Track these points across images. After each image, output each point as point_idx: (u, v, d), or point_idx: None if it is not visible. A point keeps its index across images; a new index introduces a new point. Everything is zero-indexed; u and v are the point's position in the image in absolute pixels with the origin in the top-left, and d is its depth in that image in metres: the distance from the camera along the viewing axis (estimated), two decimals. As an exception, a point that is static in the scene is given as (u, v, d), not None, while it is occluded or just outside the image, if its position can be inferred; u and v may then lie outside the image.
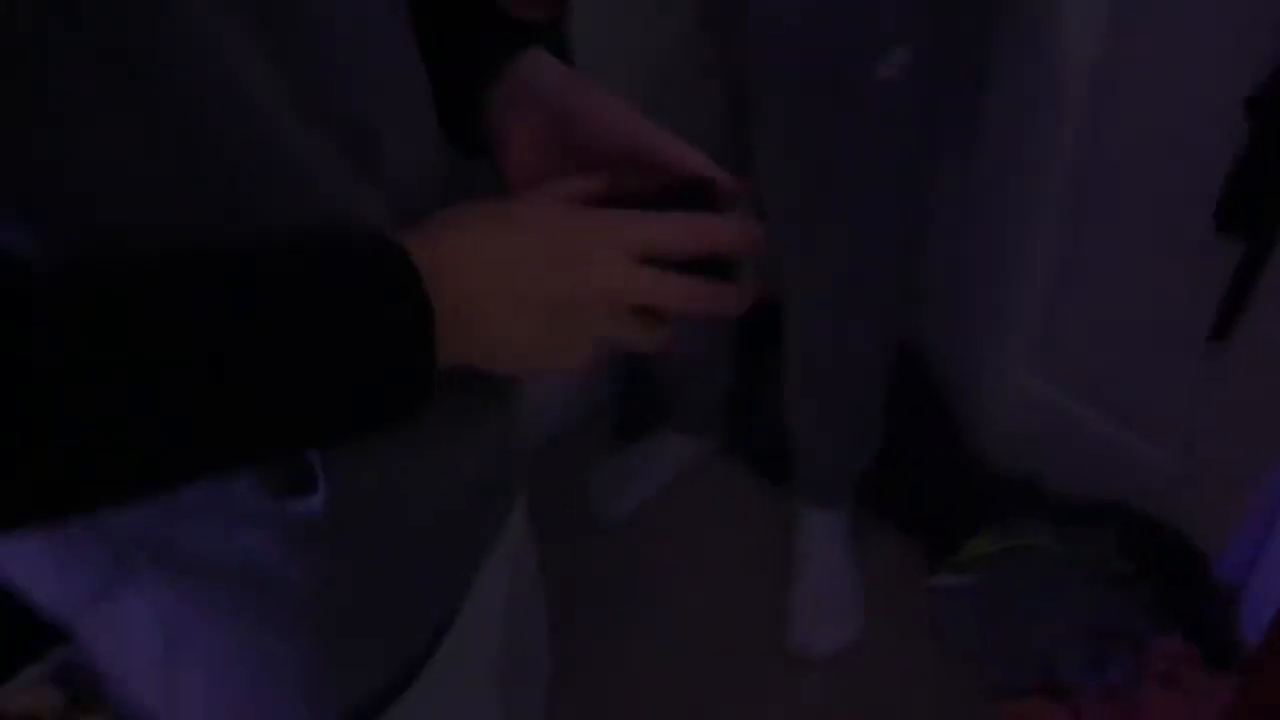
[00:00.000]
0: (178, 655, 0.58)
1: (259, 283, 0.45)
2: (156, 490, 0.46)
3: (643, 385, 1.85)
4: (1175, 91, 1.35)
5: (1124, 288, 1.52)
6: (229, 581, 0.55)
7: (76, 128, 0.42)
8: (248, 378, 0.45)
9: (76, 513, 0.45)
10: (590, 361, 0.56)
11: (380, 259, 0.48)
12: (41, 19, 0.40)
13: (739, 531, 1.77)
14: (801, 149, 1.33)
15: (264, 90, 0.46)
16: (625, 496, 1.80)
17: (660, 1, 1.35)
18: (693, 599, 1.70)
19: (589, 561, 1.73)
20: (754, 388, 1.76)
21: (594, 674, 1.61)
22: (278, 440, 0.48)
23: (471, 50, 0.66)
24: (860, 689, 1.59)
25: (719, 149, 0.65)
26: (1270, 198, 1.28)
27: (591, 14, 1.16)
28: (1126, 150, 1.43)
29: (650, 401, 1.84)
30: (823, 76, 1.25)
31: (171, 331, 0.43)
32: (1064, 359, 1.64)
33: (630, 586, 1.72)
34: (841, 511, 1.67)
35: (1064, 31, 1.41)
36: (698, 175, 0.62)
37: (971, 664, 1.57)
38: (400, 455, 0.56)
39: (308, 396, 0.47)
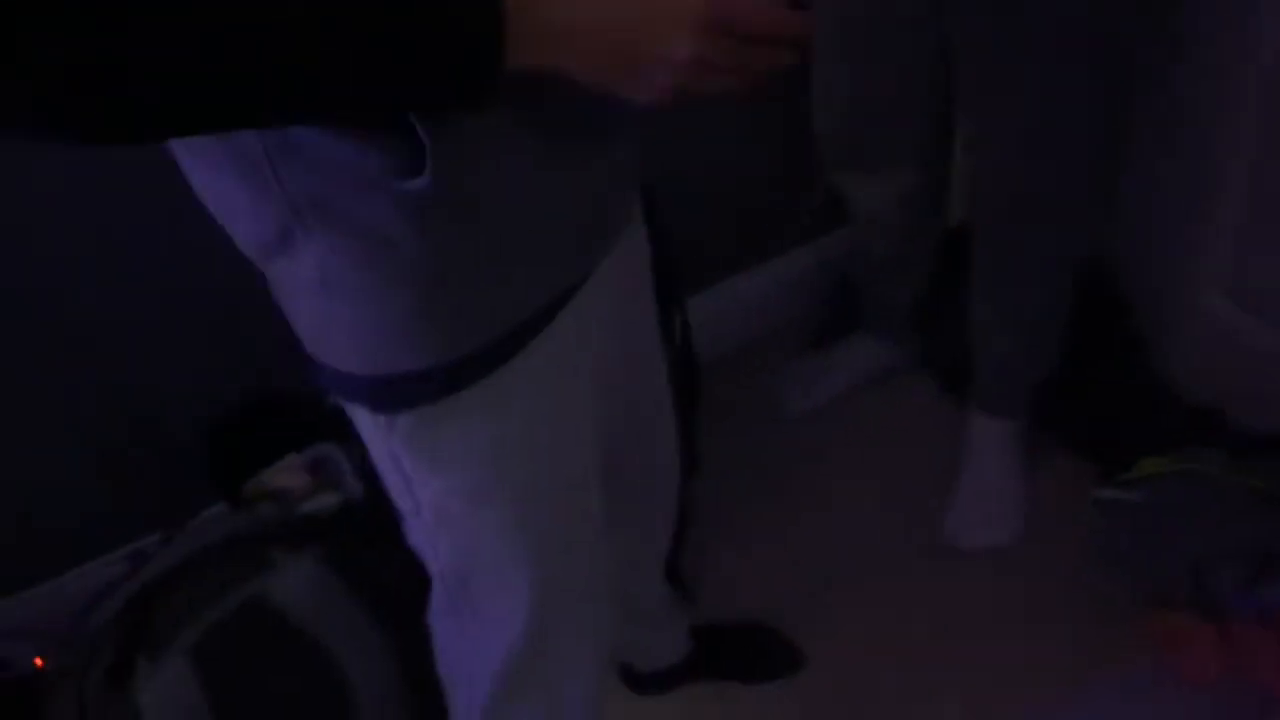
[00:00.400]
0: (331, 293, 0.77)
1: None
2: (245, 112, 0.60)
3: (839, 296, 1.97)
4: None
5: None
6: (365, 239, 0.72)
7: None
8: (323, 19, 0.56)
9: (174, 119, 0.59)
10: (670, 93, 0.66)
11: None
12: None
13: (916, 439, 1.86)
14: None
15: None
16: (812, 393, 1.93)
17: None
18: (860, 494, 1.81)
19: (769, 449, 1.88)
20: (944, 298, 1.84)
21: (759, 549, 1.76)
22: (353, 86, 0.60)
23: None
24: (1008, 590, 1.66)
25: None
26: None
27: None
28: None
29: (845, 312, 1.96)
30: None
31: None
32: (1257, 288, 1.64)
33: (802, 477, 1.85)
34: (1015, 423, 1.74)
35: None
36: None
37: (1125, 575, 1.61)
38: (501, 157, 0.72)
39: (382, 43, 0.58)
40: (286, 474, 1.58)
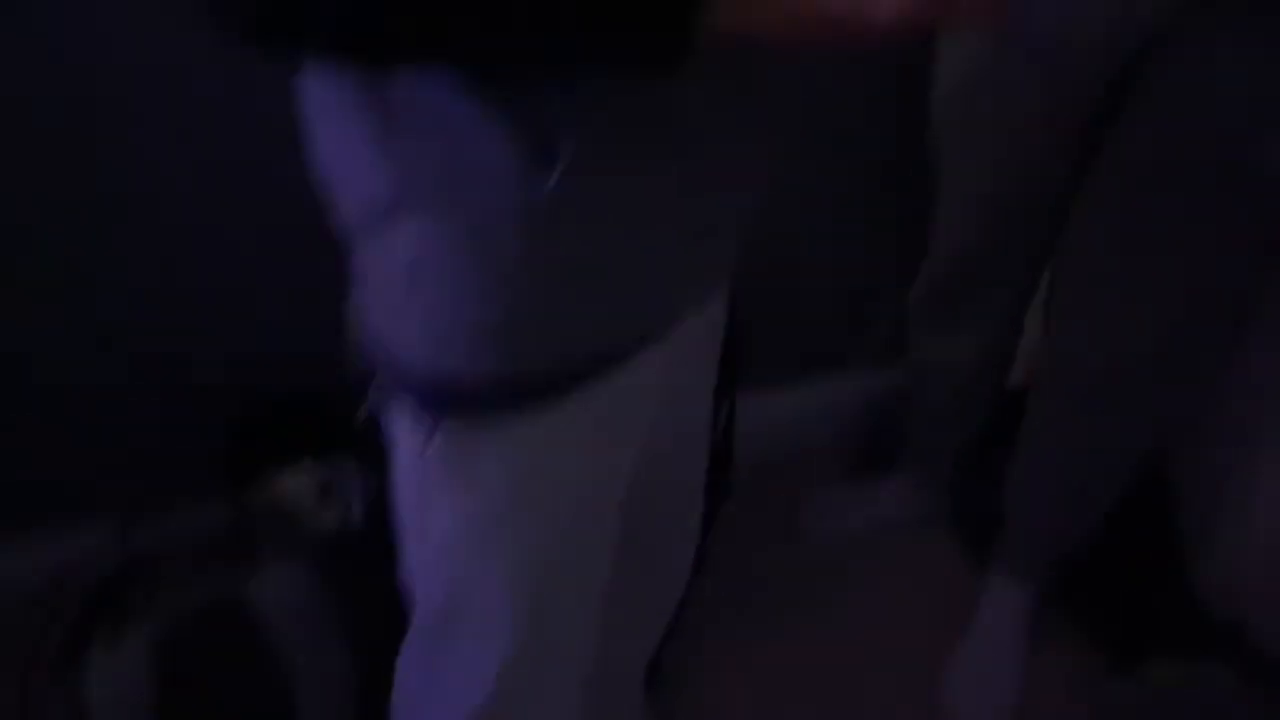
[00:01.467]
0: (417, 278, 0.75)
1: None
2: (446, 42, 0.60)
3: (882, 432, 1.94)
4: None
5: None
6: (471, 231, 0.71)
7: None
8: None
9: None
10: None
11: None
12: None
13: (930, 590, 1.81)
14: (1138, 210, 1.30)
15: None
16: (836, 523, 1.88)
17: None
18: (864, 633, 1.75)
19: (781, 567, 1.83)
20: (985, 455, 1.81)
21: (751, 669, 1.72)
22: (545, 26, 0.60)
23: None
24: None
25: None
26: None
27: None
28: None
29: (884, 449, 1.93)
30: (1203, 150, 1.22)
31: None
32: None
33: (808, 604, 1.80)
34: (1032, 593, 1.69)
35: None
36: None
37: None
38: (627, 177, 0.71)
39: None
40: (297, 480, 1.57)
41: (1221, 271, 1.32)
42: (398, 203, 0.73)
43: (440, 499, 0.85)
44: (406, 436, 0.85)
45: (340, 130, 0.74)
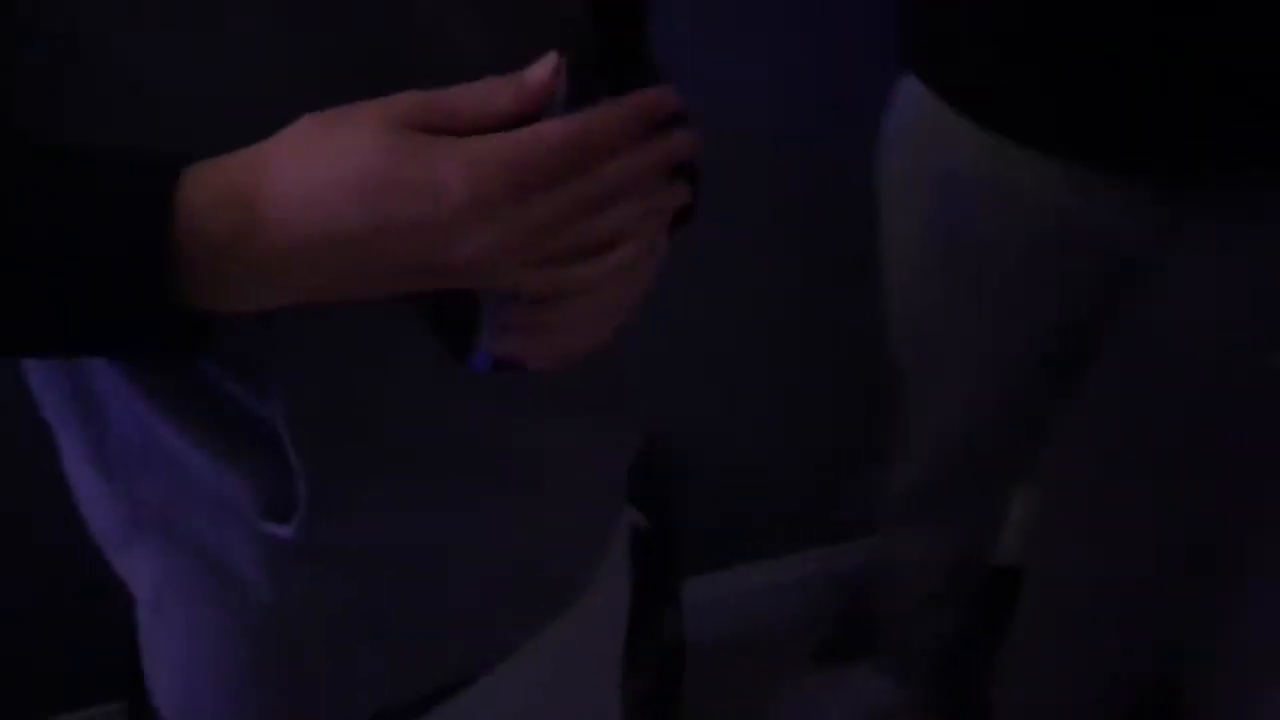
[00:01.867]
0: (160, 620, 0.62)
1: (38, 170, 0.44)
2: None
3: (853, 614, 1.78)
4: None
5: None
6: (210, 571, 0.58)
7: None
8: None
9: None
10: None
11: (150, 169, 0.45)
12: None
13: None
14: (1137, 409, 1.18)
15: None
16: (808, 718, 1.71)
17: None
18: None
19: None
20: (971, 645, 1.64)
21: None
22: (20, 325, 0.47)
23: None
24: None
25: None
26: None
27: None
28: None
29: (856, 633, 1.76)
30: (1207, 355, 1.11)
31: None
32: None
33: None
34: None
35: None
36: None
37: None
38: (391, 508, 0.57)
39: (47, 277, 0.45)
40: None
41: (1227, 485, 1.17)
42: (127, 534, 0.62)
43: None
44: None
45: (68, 448, 0.63)
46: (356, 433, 0.55)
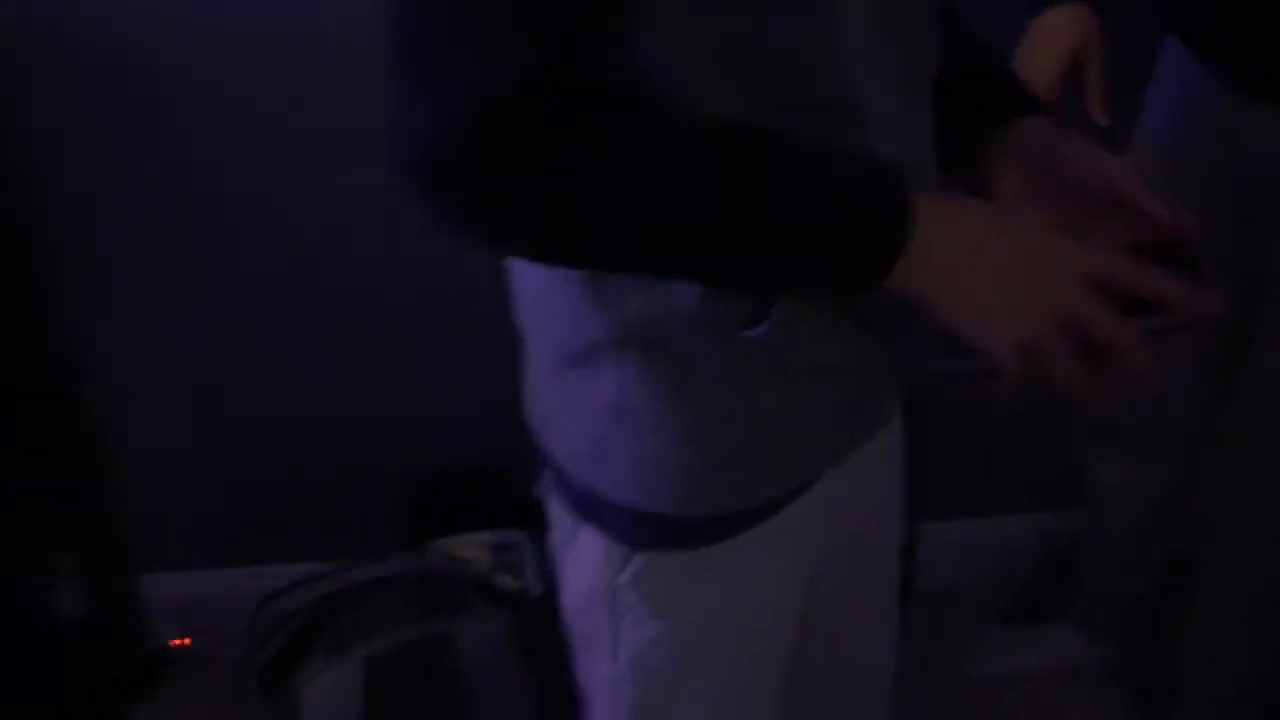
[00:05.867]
0: (621, 420, 0.77)
1: (790, 146, 0.65)
2: (657, 258, 0.67)
3: (1052, 576, 1.88)
4: None
5: None
6: (681, 379, 0.75)
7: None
8: (756, 201, 0.64)
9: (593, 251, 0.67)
10: (1021, 353, 0.67)
11: (889, 173, 0.66)
12: None
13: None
14: None
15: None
16: (996, 665, 1.82)
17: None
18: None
19: (929, 705, 1.76)
20: (1165, 609, 1.73)
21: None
22: (756, 261, 0.67)
23: (983, 108, 0.85)
24: None
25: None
26: None
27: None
28: None
29: (1053, 594, 1.86)
30: None
31: (725, 150, 0.64)
32: None
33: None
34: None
35: None
36: (1174, 232, 0.75)
37: None
38: (821, 327, 0.75)
39: (795, 233, 0.65)
40: (471, 547, 1.61)
41: None
42: (601, 347, 0.75)
43: (634, 620, 0.85)
44: (594, 557, 0.85)
45: (549, 280, 0.77)
46: None
